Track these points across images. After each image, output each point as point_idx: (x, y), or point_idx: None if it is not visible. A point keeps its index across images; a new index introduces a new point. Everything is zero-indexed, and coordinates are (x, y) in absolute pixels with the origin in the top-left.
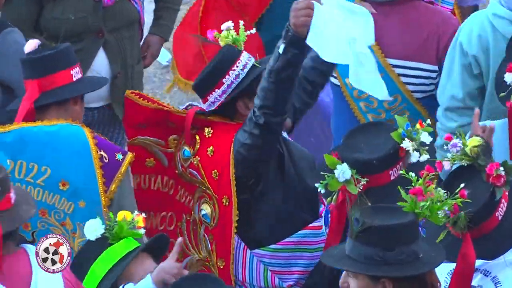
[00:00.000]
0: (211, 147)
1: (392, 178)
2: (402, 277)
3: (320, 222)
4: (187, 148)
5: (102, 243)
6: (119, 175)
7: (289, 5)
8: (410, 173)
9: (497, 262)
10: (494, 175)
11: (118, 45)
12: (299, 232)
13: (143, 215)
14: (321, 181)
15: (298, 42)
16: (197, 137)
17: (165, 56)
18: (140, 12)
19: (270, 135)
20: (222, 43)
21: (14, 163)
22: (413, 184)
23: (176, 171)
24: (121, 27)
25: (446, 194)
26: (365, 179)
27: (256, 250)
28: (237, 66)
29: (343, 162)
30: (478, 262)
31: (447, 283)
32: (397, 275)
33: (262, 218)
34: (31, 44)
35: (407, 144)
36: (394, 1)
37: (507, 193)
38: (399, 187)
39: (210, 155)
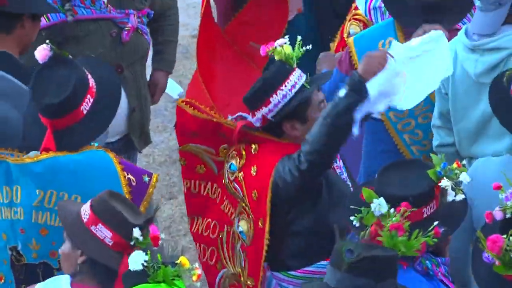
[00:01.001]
0: (255, 167)
1: (424, 215)
2: None
3: None
4: (233, 162)
5: (138, 277)
6: (147, 197)
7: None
8: (388, 206)
9: None
10: None
11: (135, 79)
12: (321, 262)
13: (199, 271)
14: (355, 214)
15: (362, 88)
16: (244, 152)
17: (175, 89)
18: (150, 44)
19: (310, 180)
20: (277, 58)
21: (44, 192)
22: (390, 219)
23: (223, 181)
24: (136, 61)
25: None
26: (400, 214)
27: (276, 273)
28: (285, 86)
29: (379, 197)
30: None
31: None
32: None
33: (289, 243)
34: (42, 52)
35: (446, 183)
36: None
37: None
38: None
39: (253, 175)
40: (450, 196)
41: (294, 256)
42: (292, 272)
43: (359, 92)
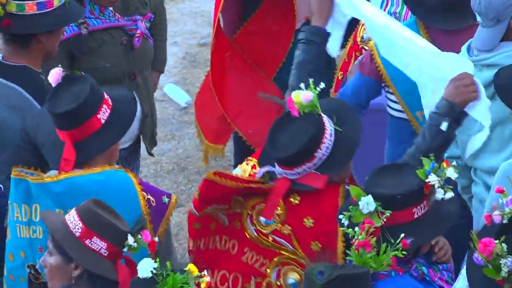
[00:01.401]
0: (309, 218)
1: (415, 216)
2: None
3: None
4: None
5: (147, 285)
6: (167, 219)
7: None
8: (350, 230)
9: None
10: None
11: (145, 84)
12: None
13: (208, 279)
14: (344, 213)
15: (461, 117)
16: (283, 204)
17: (183, 97)
18: (153, 48)
19: None
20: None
21: (64, 211)
22: (355, 238)
23: (246, 235)
24: (145, 67)
25: (508, 248)
26: (389, 211)
27: None
28: (326, 137)
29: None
30: None
31: None
32: None
33: None
34: (55, 76)
35: (433, 178)
36: (460, 29)
37: None
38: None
39: (310, 226)
40: (439, 194)
41: None
42: None
43: (459, 122)
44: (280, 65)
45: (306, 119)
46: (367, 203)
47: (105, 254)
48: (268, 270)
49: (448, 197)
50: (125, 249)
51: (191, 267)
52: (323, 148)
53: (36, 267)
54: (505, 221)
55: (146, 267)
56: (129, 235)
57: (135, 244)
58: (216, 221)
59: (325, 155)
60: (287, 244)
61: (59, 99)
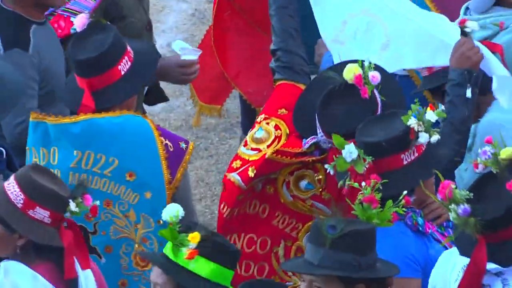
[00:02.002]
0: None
1: (404, 162)
2: (375, 280)
3: None
4: (307, 181)
5: None
6: (184, 164)
7: (305, 13)
8: (357, 183)
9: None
10: None
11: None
12: None
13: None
14: (330, 163)
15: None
16: (322, 170)
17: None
18: None
19: None
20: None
21: (82, 153)
22: (362, 192)
23: (279, 199)
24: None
25: (468, 198)
26: (371, 157)
27: None
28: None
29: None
30: (493, 265)
31: (459, 276)
32: (374, 277)
33: None
34: (81, 21)
35: (412, 121)
36: None
37: None
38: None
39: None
40: (423, 138)
41: None
42: None
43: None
44: None
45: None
46: (350, 151)
47: (49, 222)
48: (300, 234)
49: (434, 140)
50: (67, 214)
51: (195, 234)
52: None
53: None
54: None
55: (169, 211)
56: (70, 200)
57: (77, 209)
58: (251, 186)
59: None
60: (326, 208)
61: (82, 46)
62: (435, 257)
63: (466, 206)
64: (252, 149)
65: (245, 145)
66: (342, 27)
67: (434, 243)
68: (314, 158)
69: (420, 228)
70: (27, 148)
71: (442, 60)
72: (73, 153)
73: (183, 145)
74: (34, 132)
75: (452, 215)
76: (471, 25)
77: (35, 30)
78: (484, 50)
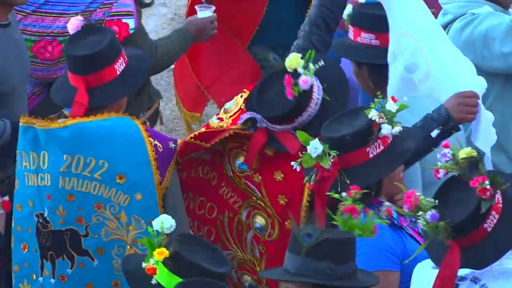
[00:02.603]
0: (279, 173)
1: (370, 156)
2: None
3: None
4: (241, 161)
5: None
6: (173, 164)
7: (280, 16)
8: (337, 195)
9: (485, 271)
10: (478, 189)
11: None
12: None
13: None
14: (296, 160)
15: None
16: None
17: None
18: None
19: None
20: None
21: (72, 158)
22: (343, 203)
23: (224, 172)
24: None
25: (434, 204)
26: (335, 151)
27: None
28: (310, 106)
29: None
30: (467, 271)
31: None
32: (350, 286)
33: None
34: (75, 24)
35: (373, 113)
36: None
37: (500, 206)
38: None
39: (279, 180)
40: (386, 130)
41: None
42: None
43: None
44: (254, 33)
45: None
46: (315, 147)
47: None
48: (240, 210)
49: (396, 132)
50: None
51: (162, 251)
52: (304, 115)
53: (45, 215)
54: (441, 176)
55: (156, 222)
56: None
57: None
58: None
59: (305, 121)
60: (257, 191)
61: (78, 44)
62: (411, 251)
63: (434, 211)
64: (219, 118)
65: (217, 114)
66: (397, 41)
67: (409, 238)
68: (240, 131)
69: (396, 222)
70: (17, 152)
71: None
72: (63, 157)
73: (172, 145)
74: (23, 136)
75: (421, 223)
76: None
77: None
78: (483, 118)
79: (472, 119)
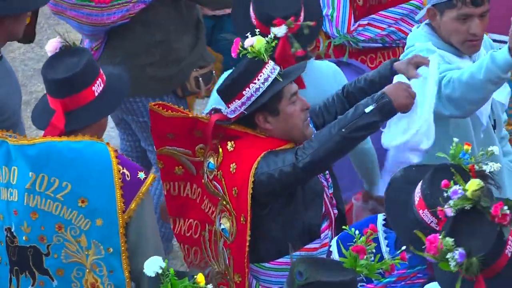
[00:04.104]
0: (234, 164)
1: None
2: None
3: (317, 244)
4: (211, 161)
5: (155, 282)
6: (140, 194)
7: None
8: (353, 229)
9: None
10: (499, 216)
11: None
12: (293, 253)
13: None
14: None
15: (390, 112)
16: (220, 150)
17: None
18: None
19: (299, 180)
20: (249, 56)
21: (36, 176)
22: (354, 241)
23: (203, 181)
24: None
25: (454, 242)
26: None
27: (251, 265)
28: (258, 79)
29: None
30: None
31: None
32: None
33: (262, 237)
34: (53, 45)
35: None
36: None
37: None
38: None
39: (233, 172)
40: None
41: (266, 250)
42: (265, 264)
43: (386, 115)
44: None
45: (245, 60)
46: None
47: None
48: (215, 218)
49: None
50: None
51: (200, 277)
52: (252, 88)
53: (12, 230)
54: (453, 214)
55: (151, 266)
56: None
57: None
58: (183, 167)
59: (253, 95)
60: (220, 189)
61: (55, 67)
62: None
63: (460, 250)
64: None
65: None
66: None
67: None
68: (203, 119)
69: None
70: None
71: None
72: (28, 174)
73: (142, 175)
74: None
75: (452, 265)
76: None
77: None
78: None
79: (407, 104)
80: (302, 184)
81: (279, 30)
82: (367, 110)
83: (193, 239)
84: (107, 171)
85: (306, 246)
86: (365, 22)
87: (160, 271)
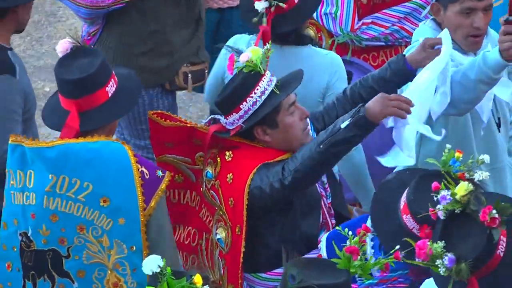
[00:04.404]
0: (230, 174)
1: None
2: None
3: (314, 254)
4: (209, 170)
5: (153, 280)
6: (159, 192)
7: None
8: (346, 229)
9: None
10: (488, 220)
11: None
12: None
13: None
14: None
15: (367, 126)
16: (219, 160)
17: None
18: None
19: (289, 195)
20: (246, 71)
21: (57, 178)
22: (348, 242)
23: (201, 189)
24: None
25: (444, 246)
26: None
27: (248, 275)
28: (255, 93)
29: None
30: None
31: None
32: None
33: (260, 248)
34: (63, 46)
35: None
36: None
37: (505, 229)
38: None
39: (230, 183)
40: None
41: (263, 260)
42: (262, 274)
43: (362, 129)
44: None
45: (241, 73)
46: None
47: None
48: (212, 227)
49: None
50: None
51: (197, 277)
52: (249, 102)
53: (28, 234)
54: (442, 217)
55: (150, 264)
56: None
57: None
58: (183, 175)
59: (251, 109)
60: (217, 198)
61: (68, 67)
62: None
63: (450, 255)
64: None
65: None
66: None
67: None
68: (202, 129)
69: None
70: (6, 170)
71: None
72: (48, 176)
73: (160, 174)
74: (12, 155)
75: (442, 271)
76: None
77: (12, 56)
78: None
79: (384, 115)
80: (290, 198)
81: (260, 5)
82: (343, 125)
83: (191, 247)
84: (127, 170)
85: (303, 256)
86: (369, 21)
87: (157, 270)
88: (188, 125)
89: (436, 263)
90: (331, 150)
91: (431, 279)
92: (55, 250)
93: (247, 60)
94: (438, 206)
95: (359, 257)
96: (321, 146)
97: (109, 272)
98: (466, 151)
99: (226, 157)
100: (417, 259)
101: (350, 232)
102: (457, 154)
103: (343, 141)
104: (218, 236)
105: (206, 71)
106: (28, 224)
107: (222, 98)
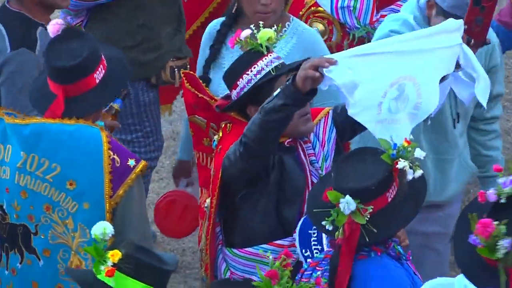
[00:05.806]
0: (220, 146)
1: (389, 199)
2: None
3: (287, 242)
4: (215, 140)
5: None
6: (129, 181)
7: None
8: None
9: None
10: None
11: None
12: (262, 245)
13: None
14: (326, 218)
15: (294, 93)
16: (221, 132)
17: None
18: None
19: (248, 163)
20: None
21: (27, 155)
22: (270, 266)
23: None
24: None
25: (506, 230)
26: (371, 206)
27: (224, 248)
28: (251, 71)
29: (344, 195)
30: None
31: None
32: None
33: (236, 224)
34: (55, 27)
35: (403, 164)
36: None
37: None
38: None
39: (219, 153)
40: (409, 175)
41: (238, 237)
42: (235, 250)
43: (289, 97)
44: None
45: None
46: (347, 203)
47: None
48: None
49: (418, 175)
50: None
51: (115, 253)
52: (245, 79)
53: (4, 207)
54: (502, 201)
55: (98, 227)
56: None
57: None
58: (210, 140)
59: (246, 86)
60: (212, 168)
61: (57, 52)
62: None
63: (509, 239)
64: None
65: None
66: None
67: (409, 269)
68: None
69: (404, 257)
70: None
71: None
72: (20, 153)
73: (132, 163)
74: None
75: (501, 253)
76: None
77: (41, 32)
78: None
79: (302, 75)
80: (254, 168)
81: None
82: (275, 93)
83: (204, 212)
84: (97, 155)
85: (276, 242)
86: (387, 13)
87: (100, 236)
88: (199, 95)
89: (497, 244)
90: (267, 118)
91: (438, 279)
92: (25, 226)
93: (246, 36)
94: (506, 189)
95: (279, 282)
96: (261, 113)
97: (72, 253)
98: (413, 140)
99: (227, 129)
100: (475, 237)
101: (271, 257)
102: (404, 143)
103: (274, 109)
104: (206, 204)
105: (188, 66)
106: (4, 198)
107: (224, 73)
